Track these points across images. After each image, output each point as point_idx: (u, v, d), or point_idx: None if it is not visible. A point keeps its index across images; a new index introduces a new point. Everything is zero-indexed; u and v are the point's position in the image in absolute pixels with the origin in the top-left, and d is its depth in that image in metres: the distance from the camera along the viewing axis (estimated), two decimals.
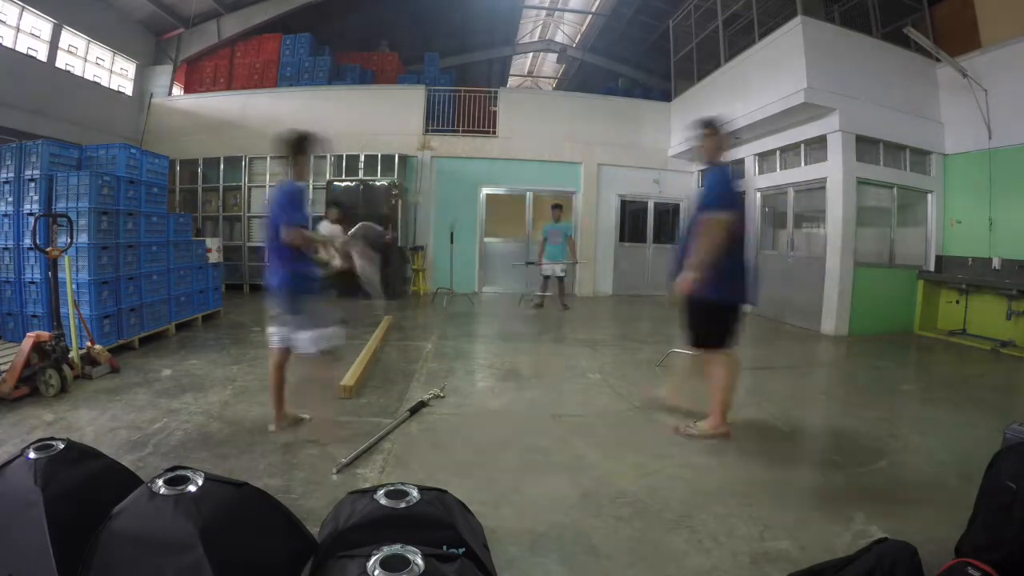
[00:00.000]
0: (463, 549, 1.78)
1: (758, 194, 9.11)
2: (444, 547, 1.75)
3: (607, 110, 11.71)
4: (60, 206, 4.86)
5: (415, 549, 1.56)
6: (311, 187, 10.38)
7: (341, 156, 10.41)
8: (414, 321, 7.45)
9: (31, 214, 4.88)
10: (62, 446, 1.96)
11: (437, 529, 1.82)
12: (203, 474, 1.79)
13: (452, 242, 10.24)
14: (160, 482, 1.73)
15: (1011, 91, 6.91)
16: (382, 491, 1.91)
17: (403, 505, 1.84)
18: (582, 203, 11.17)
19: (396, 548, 1.56)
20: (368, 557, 1.53)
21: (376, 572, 1.48)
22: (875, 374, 5.38)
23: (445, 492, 2.03)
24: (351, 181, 9.79)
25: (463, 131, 11.34)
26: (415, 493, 1.90)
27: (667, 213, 11.53)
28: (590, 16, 16.14)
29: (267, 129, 10.67)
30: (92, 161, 5.44)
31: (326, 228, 6.64)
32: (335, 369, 3.73)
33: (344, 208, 7.31)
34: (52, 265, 4.20)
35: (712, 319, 3.38)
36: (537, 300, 8.83)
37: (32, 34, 8.98)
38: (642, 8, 14.00)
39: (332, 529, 1.83)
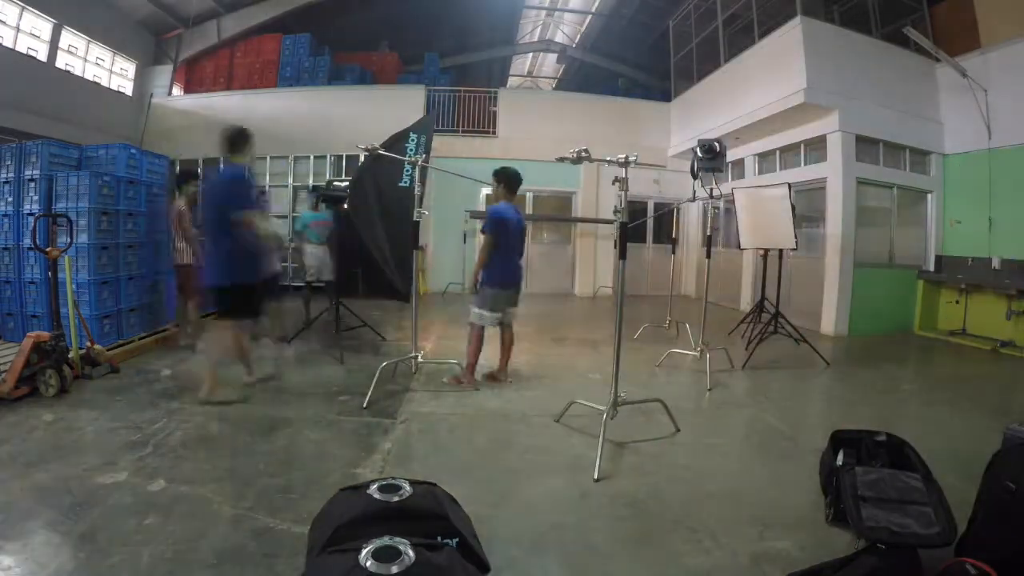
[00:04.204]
0: (457, 540, 1.81)
1: None
2: (439, 538, 1.78)
3: (607, 110, 11.71)
4: (60, 206, 4.85)
5: (404, 540, 1.59)
6: (310, 187, 10.40)
7: (341, 156, 10.40)
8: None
9: (31, 214, 4.87)
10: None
11: (431, 521, 1.85)
12: None
13: (465, 242, 10.52)
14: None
15: (1011, 91, 6.91)
16: (375, 486, 1.93)
17: (396, 499, 1.87)
18: (581, 203, 11.19)
19: (386, 540, 1.59)
20: (359, 550, 1.55)
21: (368, 563, 1.50)
22: (875, 374, 5.38)
23: (435, 485, 2.06)
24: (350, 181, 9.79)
25: (463, 131, 11.35)
26: (407, 487, 1.93)
27: (667, 213, 11.53)
28: (590, 16, 16.14)
29: (267, 129, 10.74)
30: (92, 161, 5.43)
31: None
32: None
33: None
34: (52, 265, 4.19)
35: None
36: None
37: (32, 34, 8.98)
38: (642, 8, 14.00)
39: (327, 524, 1.83)
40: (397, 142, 5.56)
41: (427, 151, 5.87)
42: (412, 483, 1.98)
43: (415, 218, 4.31)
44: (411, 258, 4.57)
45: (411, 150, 5.72)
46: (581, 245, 11.35)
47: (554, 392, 4.36)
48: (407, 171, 5.64)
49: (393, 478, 1.99)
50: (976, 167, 7.43)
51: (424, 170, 5.82)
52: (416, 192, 4.42)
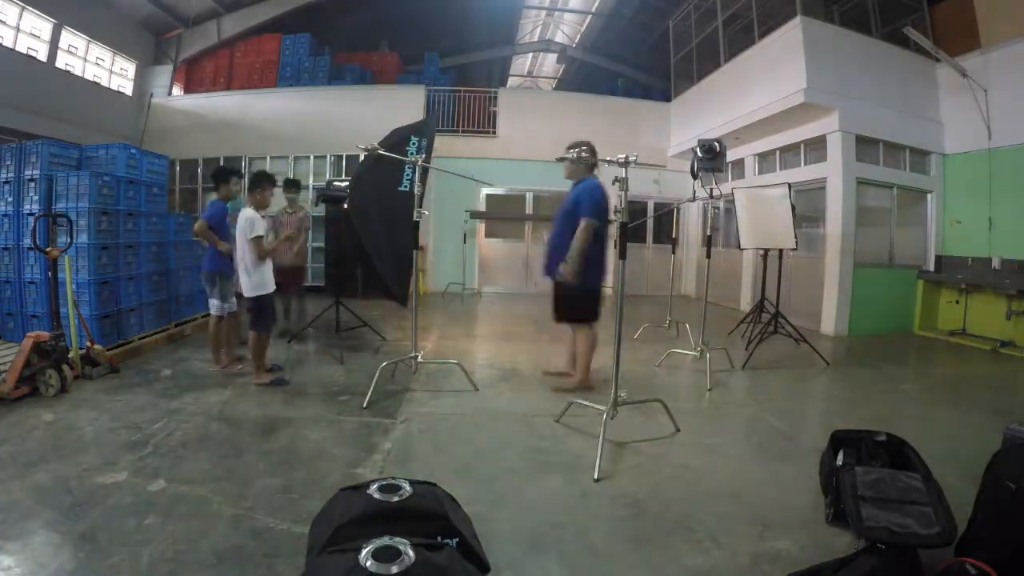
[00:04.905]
0: (457, 539, 1.82)
1: None
2: (439, 537, 1.78)
3: (607, 110, 11.71)
4: (60, 206, 4.85)
5: (404, 540, 1.60)
6: (311, 187, 10.41)
7: (341, 156, 10.41)
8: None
9: (31, 214, 4.88)
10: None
11: (431, 520, 1.86)
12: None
13: (465, 242, 10.54)
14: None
15: (1010, 91, 6.91)
16: (375, 486, 1.93)
17: (396, 499, 1.87)
18: None
19: (386, 540, 1.60)
20: (359, 550, 1.56)
21: (368, 563, 1.50)
22: (875, 373, 5.38)
23: (435, 485, 2.06)
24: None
25: (463, 131, 11.35)
26: (407, 487, 1.93)
27: (667, 213, 11.54)
28: (590, 16, 16.13)
29: (267, 129, 10.79)
30: (92, 161, 5.43)
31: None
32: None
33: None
34: (52, 265, 4.19)
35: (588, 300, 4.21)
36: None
37: (32, 34, 8.98)
38: (642, 8, 13.99)
39: (327, 525, 1.84)
40: (397, 144, 5.55)
41: (428, 154, 5.86)
42: (412, 483, 1.98)
43: (415, 218, 4.29)
44: (411, 260, 4.54)
45: (412, 154, 5.71)
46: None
47: (552, 393, 4.36)
48: (407, 175, 5.64)
49: (393, 478, 2.00)
50: (976, 167, 7.43)
51: (425, 170, 5.81)
52: (416, 192, 4.40)
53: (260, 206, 4.30)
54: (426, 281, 10.62)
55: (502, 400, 4.16)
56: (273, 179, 4.44)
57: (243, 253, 4.19)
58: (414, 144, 5.73)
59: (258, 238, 4.15)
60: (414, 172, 5.57)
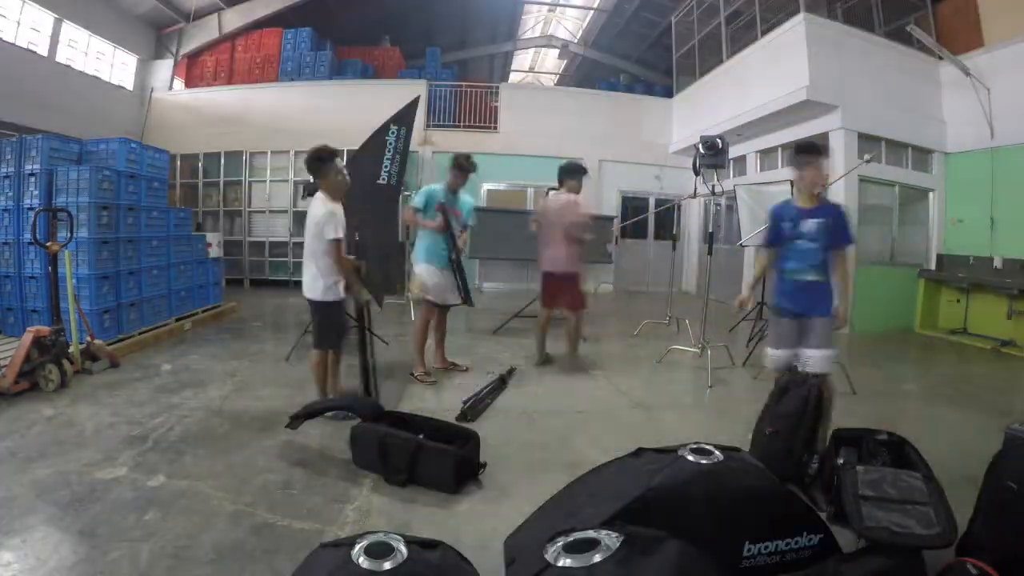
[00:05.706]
0: None
1: None
2: None
3: (609, 106, 11.67)
4: (60, 200, 4.84)
5: (398, 536, 1.58)
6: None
7: (342, 151, 10.38)
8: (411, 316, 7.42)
9: (31, 209, 4.87)
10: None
11: None
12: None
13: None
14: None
15: (1013, 90, 6.88)
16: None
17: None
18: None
19: (380, 536, 1.58)
20: (352, 545, 1.54)
21: (361, 559, 1.48)
22: (875, 372, 5.37)
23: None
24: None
25: (464, 126, 11.32)
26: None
27: (669, 210, 11.52)
28: (592, 12, 16.08)
29: (268, 124, 10.75)
30: (92, 155, 5.42)
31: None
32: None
33: None
34: (52, 260, 4.19)
35: None
36: None
37: (33, 28, 8.95)
38: (644, 4, 13.94)
39: None
40: (377, 137, 5.54)
41: (407, 142, 5.82)
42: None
43: (399, 203, 4.24)
44: (393, 258, 4.46)
45: (391, 143, 5.65)
46: None
47: (554, 389, 4.36)
48: (385, 167, 5.61)
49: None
50: (978, 166, 7.40)
51: (403, 163, 5.79)
52: (393, 180, 4.28)
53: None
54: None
55: (501, 397, 4.14)
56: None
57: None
58: (392, 133, 5.67)
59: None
60: (392, 163, 5.56)
